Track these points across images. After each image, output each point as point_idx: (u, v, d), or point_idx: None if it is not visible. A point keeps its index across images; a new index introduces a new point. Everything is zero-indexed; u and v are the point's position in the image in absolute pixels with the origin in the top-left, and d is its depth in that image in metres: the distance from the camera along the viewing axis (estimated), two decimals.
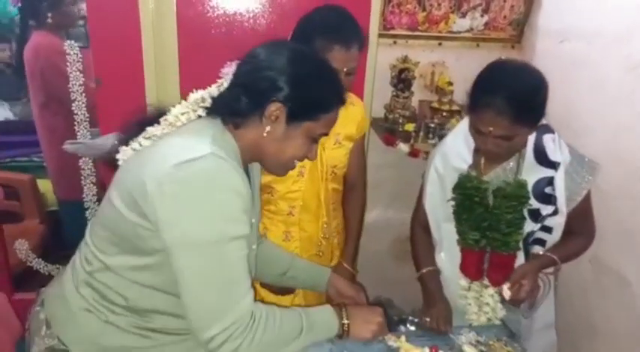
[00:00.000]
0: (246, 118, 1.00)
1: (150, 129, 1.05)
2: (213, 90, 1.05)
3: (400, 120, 2.13)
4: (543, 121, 1.39)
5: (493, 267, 1.44)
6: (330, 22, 1.39)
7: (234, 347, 0.94)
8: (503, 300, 1.44)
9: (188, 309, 0.94)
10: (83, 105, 1.84)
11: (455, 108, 2.14)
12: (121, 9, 1.79)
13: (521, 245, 1.44)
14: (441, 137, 2.08)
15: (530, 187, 1.39)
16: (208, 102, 1.04)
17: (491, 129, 1.28)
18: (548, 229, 1.43)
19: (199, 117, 1.06)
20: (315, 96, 1.01)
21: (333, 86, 1.05)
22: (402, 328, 2.49)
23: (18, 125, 2.16)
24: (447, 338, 1.33)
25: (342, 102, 1.06)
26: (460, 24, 2.18)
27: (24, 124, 2.11)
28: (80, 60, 1.79)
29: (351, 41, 1.37)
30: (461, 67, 2.23)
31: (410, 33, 2.16)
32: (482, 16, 2.18)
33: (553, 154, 1.37)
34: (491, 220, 1.41)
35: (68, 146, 1.80)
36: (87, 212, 1.96)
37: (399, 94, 2.15)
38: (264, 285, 1.57)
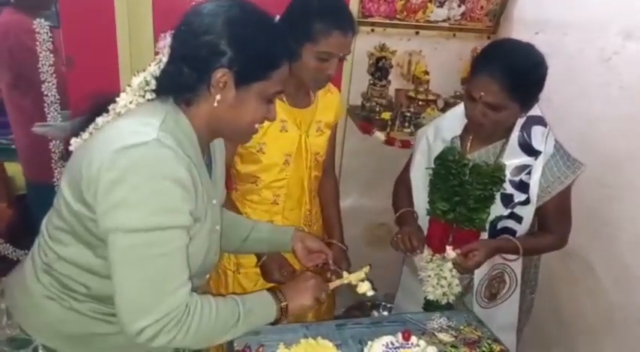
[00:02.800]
0: (195, 92, 0.95)
1: (99, 120, 1.00)
2: (154, 69, 0.99)
3: (377, 109, 2.13)
4: (538, 112, 1.43)
5: (456, 242, 1.47)
6: (328, 6, 1.37)
7: (169, 339, 0.91)
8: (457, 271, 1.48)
9: (119, 299, 0.89)
10: (53, 86, 1.78)
11: (431, 97, 2.16)
12: None
13: (487, 227, 1.47)
14: (417, 126, 2.10)
15: (508, 172, 1.42)
16: (153, 85, 0.99)
17: (482, 93, 1.32)
18: (518, 218, 1.46)
19: (150, 99, 1.00)
20: (260, 54, 0.95)
21: (278, 40, 0.99)
22: (376, 313, 2.55)
23: None
24: (419, 324, 1.36)
25: (290, 55, 1.01)
26: (437, 13, 2.19)
27: None
28: (50, 39, 1.73)
29: (349, 27, 1.37)
30: (437, 57, 2.25)
31: (388, 21, 2.16)
32: (459, 6, 2.19)
33: (537, 144, 1.41)
34: (462, 195, 1.46)
35: (37, 128, 1.75)
36: None
37: (376, 82, 2.15)
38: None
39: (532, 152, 1.41)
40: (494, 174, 1.42)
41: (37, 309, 1.01)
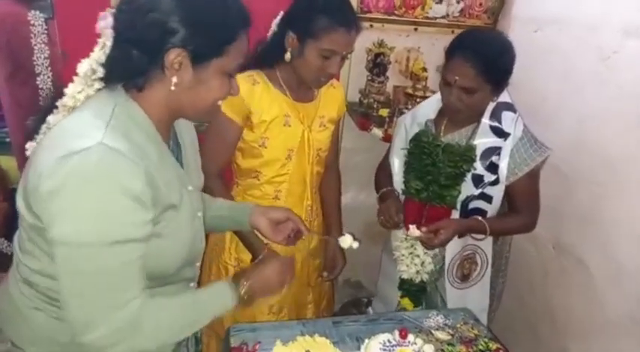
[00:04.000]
0: (148, 76, 0.88)
1: (50, 119, 0.94)
2: (98, 54, 0.90)
3: (375, 105, 2.13)
4: (508, 99, 1.50)
5: (429, 220, 1.52)
6: (332, 3, 1.36)
7: (122, 349, 0.87)
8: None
9: (66, 310, 0.85)
10: (48, 79, 1.76)
11: (429, 94, 2.15)
12: None
13: (459, 207, 1.53)
14: None
15: (479, 153, 1.49)
16: (101, 72, 0.91)
17: (456, 78, 1.39)
18: (488, 198, 1.52)
19: (99, 90, 0.92)
20: (215, 29, 0.88)
21: (232, 11, 0.90)
22: (371, 310, 2.55)
23: None
24: (415, 322, 1.35)
25: (245, 24, 0.93)
26: (436, 10, 2.18)
27: None
28: (45, 31, 1.71)
29: (353, 24, 1.36)
30: (435, 53, 2.23)
31: (386, 17, 2.15)
32: (458, 2, 2.18)
33: (507, 126, 1.48)
34: (434, 174, 1.52)
35: (32, 122, 1.73)
36: None
37: (374, 79, 2.15)
38: None
39: (502, 134, 1.48)
40: (465, 153, 1.49)
41: (26, 321, 0.97)
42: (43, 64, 1.74)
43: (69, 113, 0.92)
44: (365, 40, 2.11)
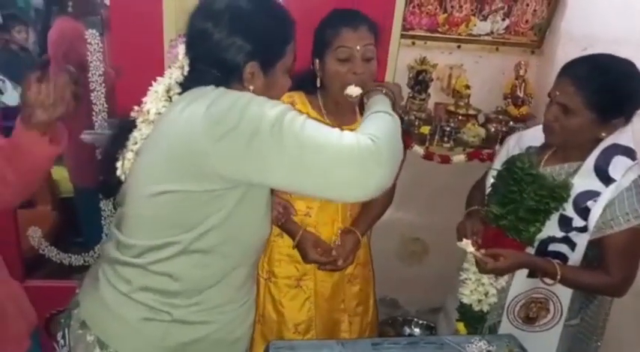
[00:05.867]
0: (226, 87, 1.00)
1: (136, 135, 1.05)
2: (176, 74, 1.04)
3: (416, 123, 2.11)
4: (630, 143, 1.33)
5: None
6: (336, 14, 1.45)
7: (381, 167, 0.94)
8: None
9: (329, 190, 0.94)
10: (102, 95, 1.83)
11: (471, 112, 2.13)
12: None
13: (535, 244, 1.40)
14: (456, 141, 2.08)
15: (574, 193, 1.33)
16: (177, 89, 1.04)
17: (557, 93, 1.31)
18: (572, 245, 1.36)
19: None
20: (274, 35, 1.03)
21: (281, 15, 1.06)
22: (407, 330, 2.50)
23: None
24: (457, 347, 1.32)
25: (293, 22, 1.07)
26: (481, 27, 2.15)
27: None
28: (101, 50, 1.78)
29: (358, 22, 1.39)
30: (479, 71, 2.21)
31: (429, 34, 2.14)
32: (503, 19, 2.15)
33: (614, 172, 1.31)
34: (517, 204, 1.40)
35: (86, 136, 1.81)
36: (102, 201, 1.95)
37: (415, 96, 2.14)
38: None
39: (606, 178, 1.31)
40: (555, 191, 1.33)
41: (136, 333, 1.03)
42: (97, 80, 1.81)
43: (152, 125, 1.04)
44: (407, 57, 2.11)
